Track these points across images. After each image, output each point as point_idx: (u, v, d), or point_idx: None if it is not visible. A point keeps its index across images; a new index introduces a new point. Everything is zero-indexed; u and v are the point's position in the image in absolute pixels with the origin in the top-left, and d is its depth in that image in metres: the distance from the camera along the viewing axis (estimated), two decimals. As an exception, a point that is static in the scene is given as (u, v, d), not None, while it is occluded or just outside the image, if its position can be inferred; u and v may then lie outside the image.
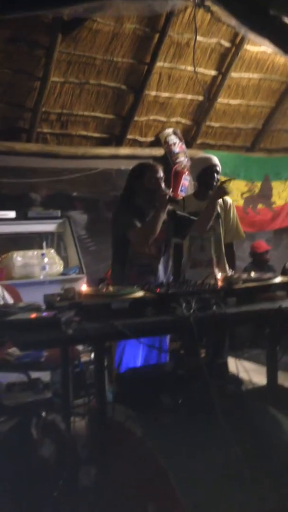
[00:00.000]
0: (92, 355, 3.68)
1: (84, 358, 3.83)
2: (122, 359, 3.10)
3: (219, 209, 3.79)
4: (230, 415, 2.33)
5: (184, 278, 3.33)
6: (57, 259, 4.82)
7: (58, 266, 4.78)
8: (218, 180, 3.77)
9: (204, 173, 3.73)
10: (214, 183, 3.74)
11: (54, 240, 5.17)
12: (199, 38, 5.19)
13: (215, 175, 3.75)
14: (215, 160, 3.80)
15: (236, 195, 6.10)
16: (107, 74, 5.21)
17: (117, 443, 2.35)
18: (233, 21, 2.53)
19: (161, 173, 3.23)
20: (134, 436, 2.29)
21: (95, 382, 2.30)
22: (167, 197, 3.09)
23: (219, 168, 3.79)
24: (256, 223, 6.45)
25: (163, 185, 3.19)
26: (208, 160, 3.83)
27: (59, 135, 5.39)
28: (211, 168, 3.74)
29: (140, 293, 2.45)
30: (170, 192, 3.13)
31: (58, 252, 5.04)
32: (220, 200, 3.82)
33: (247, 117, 6.29)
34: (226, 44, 5.50)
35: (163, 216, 3.12)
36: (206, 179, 3.74)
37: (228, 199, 3.94)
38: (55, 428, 2.51)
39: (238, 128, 6.36)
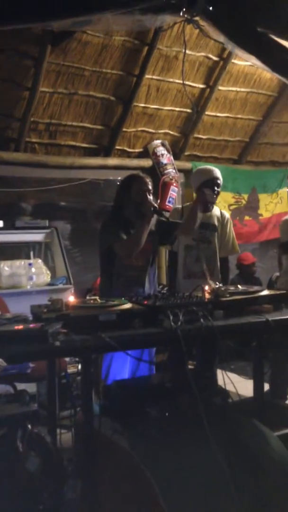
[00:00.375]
0: (79, 366, 3.67)
1: (70, 369, 3.81)
2: (109, 371, 3.09)
3: (216, 222, 3.82)
4: (217, 428, 2.34)
5: (177, 288, 3.34)
6: (44, 269, 4.80)
7: (46, 276, 4.76)
8: (218, 192, 3.78)
9: (205, 185, 3.71)
10: (215, 196, 3.75)
11: (41, 250, 5.14)
12: (187, 51, 5.25)
13: (216, 188, 3.75)
14: (217, 172, 3.78)
15: (223, 207, 6.14)
16: (96, 85, 5.24)
17: (104, 456, 2.33)
18: (221, 37, 2.57)
19: (148, 185, 3.24)
20: (121, 449, 2.28)
21: (82, 394, 2.28)
22: (152, 209, 3.10)
23: (220, 181, 3.77)
24: (243, 235, 6.49)
25: (150, 197, 3.20)
26: (210, 172, 3.79)
27: (48, 144, 5.40)
28: (213, 180, 3.72)
29: (128, 305, 2.46)
30: (156, 204, 3.14)
31: (46, 262, 5.02)
32: (218, 214, 3.87)
33: (234, 130, 6.36)
34: (214, 58, 5.57)
35: (148, 228, 3.12)
36: (207, 192, 3.70)
37: (226, 213, 3.98)
38: (41, 441, 2.49)
39: (225, 141, 6.42)
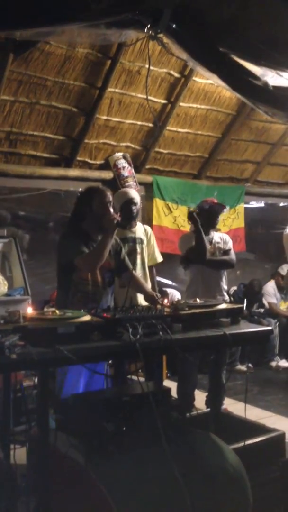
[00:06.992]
0: (35, 380, 3.60)
1: (25, 383, 3.73)
2: (63, 385, 3.03)
3: (142, 235, 4.43)
4: (174, 442, 2.34)
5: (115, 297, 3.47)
6: (1, 279, 4.69)
7: (2, 287, 4.66)
8: (136, 211, 4.40)
9: (125, 206, 4.28)
10: (134, 214, 4.37)
11: (-2, 260, 5.04)
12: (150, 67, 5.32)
13: (133, 207, 4.34)
14: (133, 193, 4.44)
15: (183, 220, 6.20)
16: (58, 95, 5.22)
17: (59, 472, 2.29)
18: (184, 55, 2.62)
19: (110, 197, 3.23)
20: (76, 465, 2.25)
21: (38, 408, 2.24)
22: (115, 222, 3.07)
23: (136, 200, 4.38)
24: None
25: (111, 209, 3.19)
26: (127, 194, 4.42)
27: (8, 153, 5.32)
28: (130, 201, 4.32)
29: (86, 317, 2.44)
30: (118, 216, 3.11)
31: (3, 272, 4.91)
32: (142, 229, 4.53)
33: (194, 146, 6.48)
34: (176, 74, 5.67)
35: (111, 242, 3.10)
36: (127, 211, 4.24)
37: (148, 228, 4.66)
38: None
39: (185, 156, 6.52)
